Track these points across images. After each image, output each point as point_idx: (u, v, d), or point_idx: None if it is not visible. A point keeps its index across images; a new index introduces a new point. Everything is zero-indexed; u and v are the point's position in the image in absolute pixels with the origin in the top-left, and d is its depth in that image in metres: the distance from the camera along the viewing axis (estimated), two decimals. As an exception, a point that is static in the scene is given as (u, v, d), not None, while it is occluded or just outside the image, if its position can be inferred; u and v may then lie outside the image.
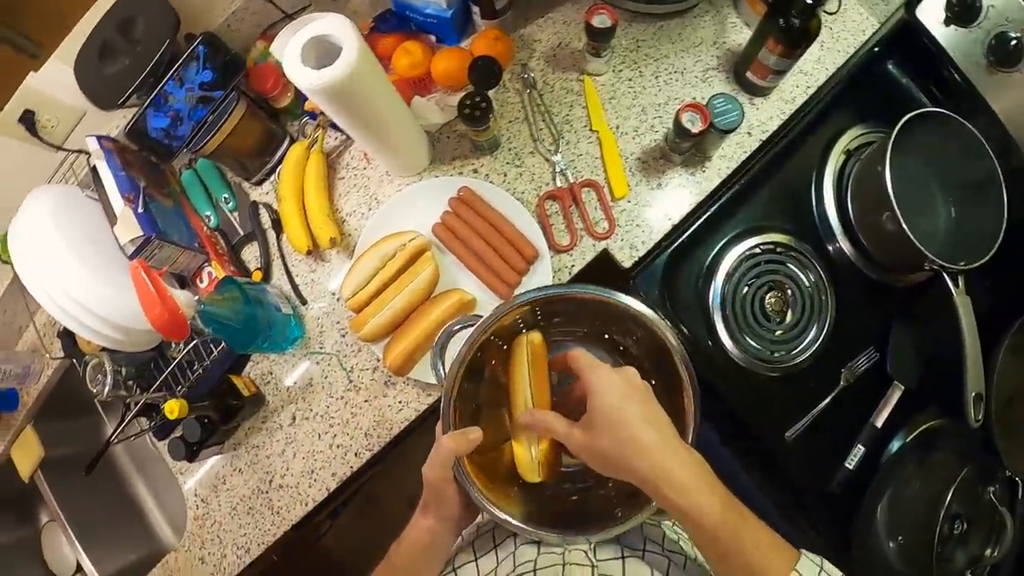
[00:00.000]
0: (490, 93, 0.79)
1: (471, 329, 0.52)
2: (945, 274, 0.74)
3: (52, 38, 0.79)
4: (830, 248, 0.84)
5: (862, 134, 0.86)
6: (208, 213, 0.92)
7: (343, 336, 0.85)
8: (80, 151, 0.90)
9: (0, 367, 0.97)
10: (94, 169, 0.84)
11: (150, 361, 0.91)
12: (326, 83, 0.59)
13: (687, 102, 0.74)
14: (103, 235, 0.84)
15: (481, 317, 0.52)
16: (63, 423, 1.05)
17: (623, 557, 0.50)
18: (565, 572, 0.47)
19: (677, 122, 0.75)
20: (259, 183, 0.93)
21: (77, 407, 1.06)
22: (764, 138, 0.83)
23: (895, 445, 0.82)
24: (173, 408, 0.74)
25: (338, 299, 0.85)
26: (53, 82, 0.83)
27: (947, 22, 0.78)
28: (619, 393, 0.43)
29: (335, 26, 0.61)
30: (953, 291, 0.74)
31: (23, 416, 1.02)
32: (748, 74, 0.82)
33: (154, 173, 0.90)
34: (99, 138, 0.85)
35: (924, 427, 0.82)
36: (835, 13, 0.78)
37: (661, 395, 0.47)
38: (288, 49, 0.61)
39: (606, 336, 0.61)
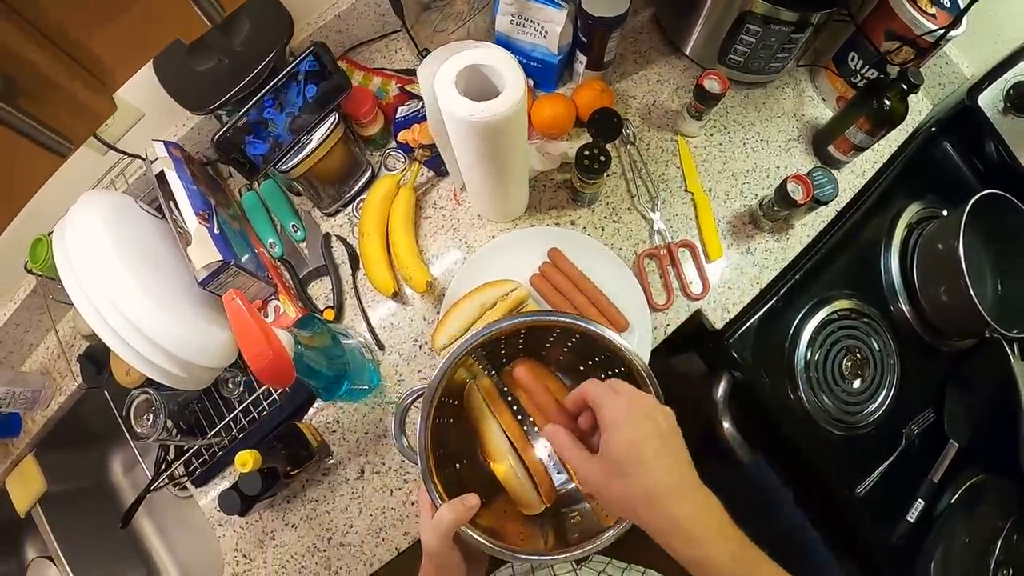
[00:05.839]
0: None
1: (421, 398, 0.48)
2: (1004, 342, 0.75)
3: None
4: (893, 310, 0.84)
5: (921, 209, 0.87)
6: (271, 240, 0.78)
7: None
8: (135, 155, 0.74)
9: (8, 390, 0.76)
10: (159, 177, 0.68)
11: (192, 400, 0.74)
12: (489, 117, 0.49)
13: (793, 173, 0.71)
14: (161, 254, 0.68)
15: (424, 388, 0.48)
16: (69, 454, 0.86)
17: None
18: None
19: (782, 190, 0.71)
20: (332, 214, 0.80)
21: (85, 438, 0.87)
22: (839, 210, 0.81)
23: (945, 501, 0.81)
24: (247, 460, 0.59)
25: (420, 346, 0.74)
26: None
27: (1005, 111, 0.80)
28: (636, 432, 0.36)
29: (497, 58, 0.52)
30: (1011, 358, 0.76)
31: (24, 444, 0.82)
32: (830, 148, 0.80)
33: (217, 190, 0.75)
34: (167, 143, 0.70)
35: (969, 483, 0.82)
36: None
37: None
38: (441, 75, 0.51)
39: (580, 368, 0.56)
